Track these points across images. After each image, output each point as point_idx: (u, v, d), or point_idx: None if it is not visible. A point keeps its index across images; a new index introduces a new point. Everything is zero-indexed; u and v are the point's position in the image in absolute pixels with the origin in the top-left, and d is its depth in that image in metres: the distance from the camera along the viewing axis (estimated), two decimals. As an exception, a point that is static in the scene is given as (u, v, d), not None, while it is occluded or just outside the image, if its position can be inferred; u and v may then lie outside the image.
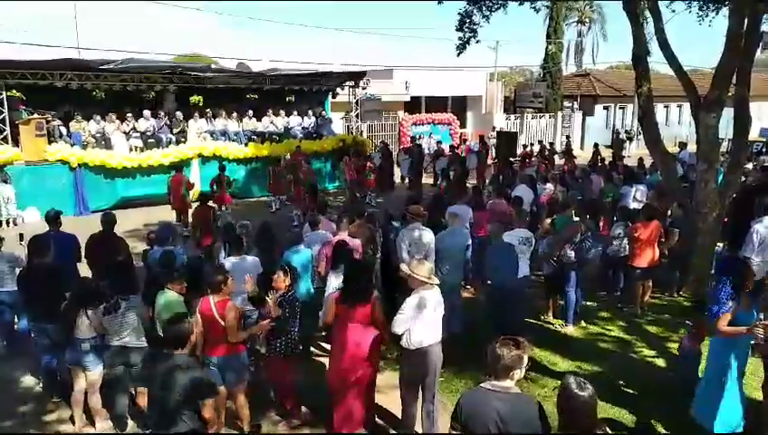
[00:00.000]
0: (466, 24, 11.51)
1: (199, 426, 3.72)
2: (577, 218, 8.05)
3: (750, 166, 13.84)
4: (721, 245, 9.67)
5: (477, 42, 11.73)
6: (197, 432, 3.68)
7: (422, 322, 4.72)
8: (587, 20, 42.69)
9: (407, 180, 18.22)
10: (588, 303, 8.26)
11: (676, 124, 32.28)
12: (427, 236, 6.95)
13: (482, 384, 3.28)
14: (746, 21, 8.31)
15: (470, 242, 7.63)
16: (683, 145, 17.37)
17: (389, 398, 5.66)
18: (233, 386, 5.05)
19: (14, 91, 14.58)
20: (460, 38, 11.70)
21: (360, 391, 4.95)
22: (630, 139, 26.93)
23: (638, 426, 5.39)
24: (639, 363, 6.66)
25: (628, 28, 9.34)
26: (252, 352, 5.58)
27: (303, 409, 5.58)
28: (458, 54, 11.97)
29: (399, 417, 5.20)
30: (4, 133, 14.27)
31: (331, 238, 7.01)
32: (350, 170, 16.01)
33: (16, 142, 14.31)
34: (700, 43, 52.38)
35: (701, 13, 11.67)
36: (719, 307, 4.74)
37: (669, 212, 9.29)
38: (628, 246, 8.25)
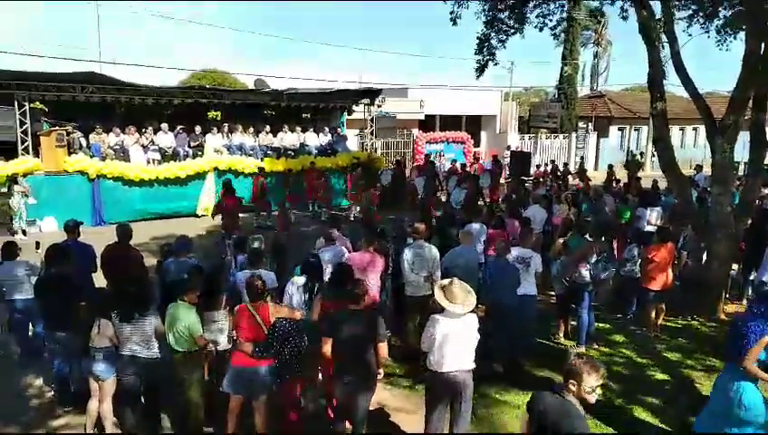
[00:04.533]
0: (485, 48, 11.61)
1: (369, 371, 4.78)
2: (591, 239, 8.01)
3: (766, 191, 13.68)
4: (735, 268, 9.60)
5: (496, 64, 11.84)
6: None
7: (444, 345, 4.63)
8: (603, 42, 42.72)
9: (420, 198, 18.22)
10: (601, 325, 8.19)
11: (692, 147, 32.09)
12: (429, 253, 6.95)
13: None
14: (763, 45, 8.30)
15: (482, 260, 7.64)
16: (699, 168, 17.29)
17: (410, 419, 5.67)
18: (259, 396, 5.14)
19: (38, 104, 14.90)
20: (479, 61, 11.81)
21: None
22: (640, 165, 26.63)
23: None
24: (653, 387, 6.58)
25: (644, 51, 9.37)
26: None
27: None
28: (477, 77, 12.10)
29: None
30: (26, 144, 14.55)
31: (345, 254, 7.07)
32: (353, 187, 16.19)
33: (37, 153, 14.59)
34: (717, 65, 52.18)
35: (719, 37, 11.68)
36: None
37: (685, 235, 9.22)
38: (640, 268, 8.20)
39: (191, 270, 5.85)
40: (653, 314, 8.05)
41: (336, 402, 5.16)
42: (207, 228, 14.25)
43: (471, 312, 4.77)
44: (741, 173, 14.75)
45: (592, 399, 3.29)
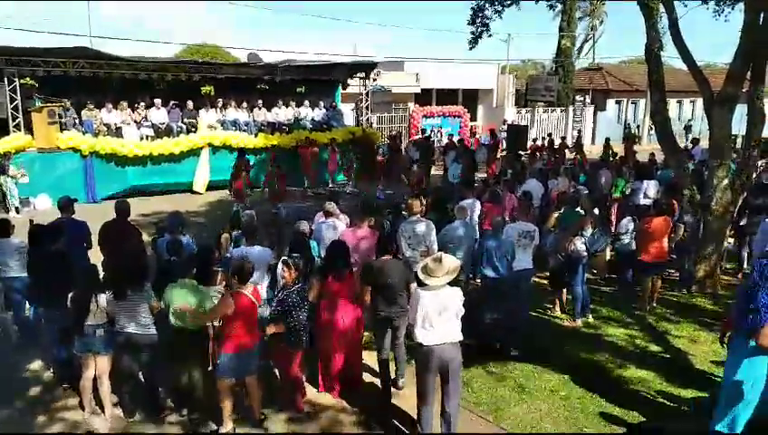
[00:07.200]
0: (479, 19, 11.44)
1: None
2: (583, 212, 8.01)
3: (762, 163, 13.66)
4: (731, 241, 9.64)
5: (489, 36, 11.67)
6: None
7: (427, 318, 4.66)
8: (598, 14, 42.19)
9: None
10: (596, 298, 8.23)
11: (689, 119, 31.95)
12: (425, 228, 6.93)
13: None
14: (762, 16, 8.20)
15: (477, 235, 7.63)
16: (696, 141, 17.22)
17: (403, 399, 5.68)
18: (250, 374, 5.16)
19: (28, 79, 14.68)
20: (472, 32, 11.64)
21: (349, 352, 5.70)
22: (636, 138, 26.44)
23: (644, 425, 5.30)
24: (647, 359, 6.62)
25: (642, 21, 9.25)
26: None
27: (306, 397, 5.63)
28: (470, 48, 11.96)
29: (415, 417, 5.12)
30: (17, 121, 14.39)
31: (343, 229, 7.05)
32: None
33: (29, 130, 14.44)
34: (714, 36, 51.70)
35: (717, 8, 11.51)
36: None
37: (681, 208, 9.21)
38: (635, 241, 8.22)
39: (181, 250, 5.85)
40: (649, 287, 8.09)
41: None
42: (204, 205, 14.22)
43: (457, 286, 4.81)
44: (738, 146, 14.70)
45: None
